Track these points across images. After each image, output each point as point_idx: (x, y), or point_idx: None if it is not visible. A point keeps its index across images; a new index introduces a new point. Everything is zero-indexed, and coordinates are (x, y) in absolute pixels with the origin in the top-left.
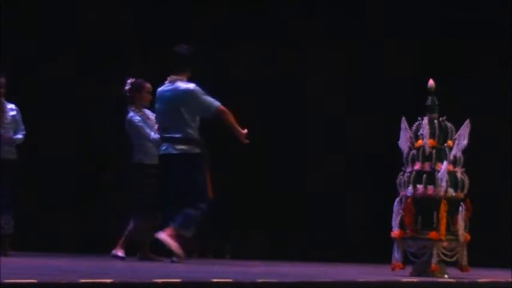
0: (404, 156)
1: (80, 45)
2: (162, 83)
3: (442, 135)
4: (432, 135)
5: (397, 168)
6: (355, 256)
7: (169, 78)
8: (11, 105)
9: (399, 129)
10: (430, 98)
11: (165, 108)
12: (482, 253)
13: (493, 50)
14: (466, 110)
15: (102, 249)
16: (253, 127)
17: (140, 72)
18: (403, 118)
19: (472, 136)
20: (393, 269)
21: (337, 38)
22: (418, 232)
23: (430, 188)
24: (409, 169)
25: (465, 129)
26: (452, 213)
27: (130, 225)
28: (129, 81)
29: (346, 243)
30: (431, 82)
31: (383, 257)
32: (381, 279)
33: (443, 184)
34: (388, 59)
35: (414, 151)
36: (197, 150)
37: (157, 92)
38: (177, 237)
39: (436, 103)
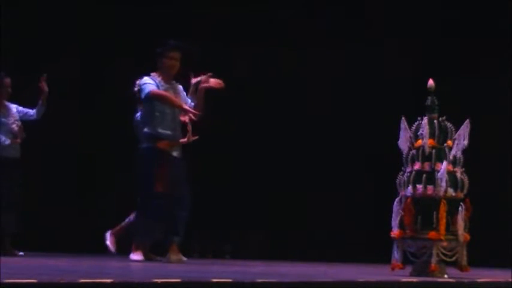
0: (404, 156)
1: (80, 45)
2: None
3: (441, 135)
4: (432, 135)
5: (397, 168)
6: (355, 256)
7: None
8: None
9: (399, 129)
10: (430, 98)
11: None
12: (482, 253)
13: (493, 50)
14: (466, 110)
15: (102, 249)
16: (253, 127)
17: (140, 72)
18: (403, 118)
19: (472, 136)
20: (393, 269)
21: (337, 38)
22: (418, 232)
23: (430, 188)
24: (408, 169)
25: (465, 129)
26: (452, 213)
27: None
28: None
29: (346, 243)
30: (431, 82)
31: (383, 257)
32: (381, 279)
33: (443, 184)
34: (388, 59)
35: (414, 151)
36: (144, 145)
37: None
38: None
39: (436, 103)
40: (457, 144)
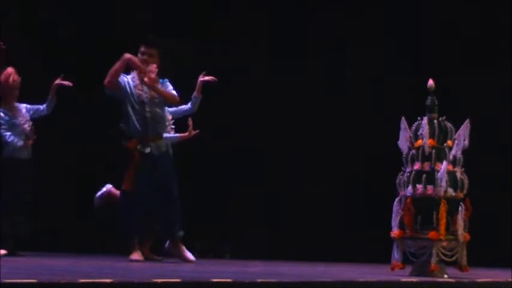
0: (404, 156)
1: (79, 45)
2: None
3: (441, 135)
4: (432, 135)
5: (397, 168)
6: (355, 256)
7: None
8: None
9: (399, 129)
10: (429, 98)
11: None
12: (482, 253)
13: (493, 50)
14: (466, 110)
15: (102, 249)
16: (253, 127)
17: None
18: (403, 118)
19: (472, 136)
20: (393, 269)
21: (337, 39)
22: (418, 232)
23: (430, 187)
24: (408, 169)
25: (465, 129)
26: (451, 213)
27: None
28: None
29: (346, 243)
30: (431, 82)
31: (382, 257)
32: (381, 279)
33: (443, 184)
34: (388, 59)
35: (414, 151)
36: (123, 144)
37: None
38: None
39: (436, 103)
40: (457, 144)
